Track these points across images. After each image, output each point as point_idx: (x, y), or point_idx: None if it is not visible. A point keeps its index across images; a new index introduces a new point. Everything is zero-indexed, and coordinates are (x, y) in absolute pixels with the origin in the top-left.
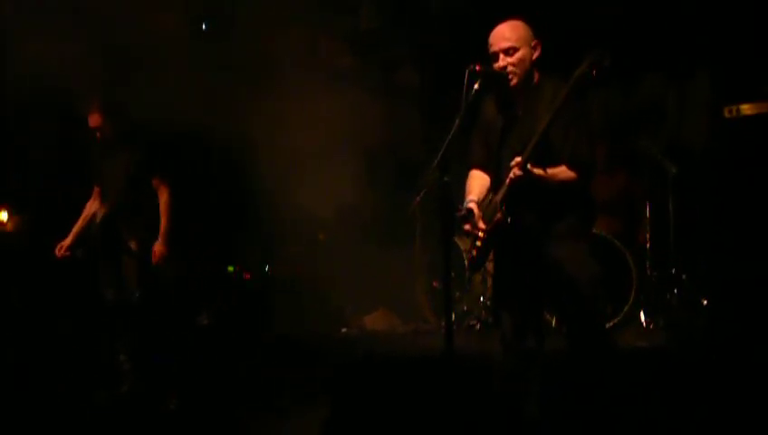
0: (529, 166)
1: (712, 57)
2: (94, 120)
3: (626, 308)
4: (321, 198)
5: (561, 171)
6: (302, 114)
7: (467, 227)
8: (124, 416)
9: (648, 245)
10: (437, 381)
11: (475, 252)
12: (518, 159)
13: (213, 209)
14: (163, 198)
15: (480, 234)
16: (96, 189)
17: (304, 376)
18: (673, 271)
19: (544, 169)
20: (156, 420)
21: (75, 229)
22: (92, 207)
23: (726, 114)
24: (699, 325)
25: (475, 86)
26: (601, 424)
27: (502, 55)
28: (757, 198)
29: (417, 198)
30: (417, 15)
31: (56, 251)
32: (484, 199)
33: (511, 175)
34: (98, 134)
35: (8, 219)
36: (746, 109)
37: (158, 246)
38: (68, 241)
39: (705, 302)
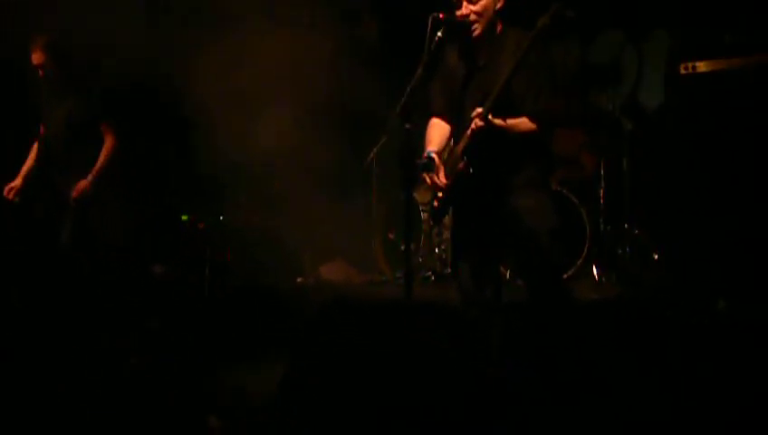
0: (490, 117)
1: (669, 15)
2: (37, 57)
3: (579, 262)
4: (277, 147)
5: (523, 122)
6: (257, 61)
7: (428, 177)
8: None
9: (602, 200)
10: (399, 329)
11: (436, 203)
12: (479, 109)
13: (166, 158)
14: (106, 143)
15: (442, 184)
16: (42, 128)
17: (265, 327)
18: (626, 226)
19: (505, 120)
20: (121, 377)
21: (24, 171)
22: (35, 155)
23: (682, 71)
24: (650, 279)
25: (438, 34)
26: (560, 374)
27: (465, 3)
28: (710, 155)
29: (375, 149)
30: None
31: (5, 193)
32: (444, 150)
33: (472, 126)
34: (40, 72)
35: None
36: (702, 66)
37: (82, 182)
38: (17, 182)
39: (657, 256)
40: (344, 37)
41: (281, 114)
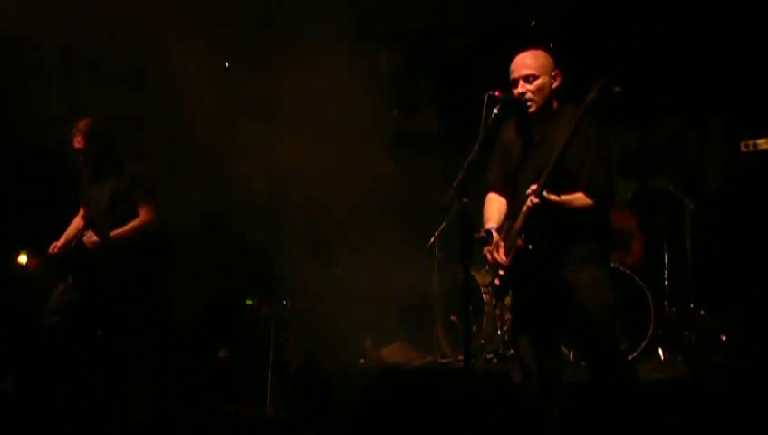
0: (545, 193)
1: (728, 96)
2: (78, 142)
3: (644, 343)
4: (340, 232)
5: (578, 198)
6: (320, 150)
7: (488, 254)
8: None
9: (666, 281)
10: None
11: (498, 281)
12: (534, 186)
13: (232, 244)
14: (141, 216)
15: (502, 262)
16: (81, 210)
17: (324, 407)
18: (691, 306)
19: (560, 196)
20: None
21: (66, 234)
22: (77, 225)
23: (743, 149)
24: (718, 360)
25: (494, 111)
26: None
27: (521, 82)
28: None
29: (436, 232)
30: (437, 58)
31: (50, 250)
32: (502, 226)
33: (528, 202)
34: (81, 156)
35: (28, 260)
36: (763, 143)
37: (94, 236)
38: (61, 242)
39: (724, 338)
40: (405, 126)
41: (343, 203)
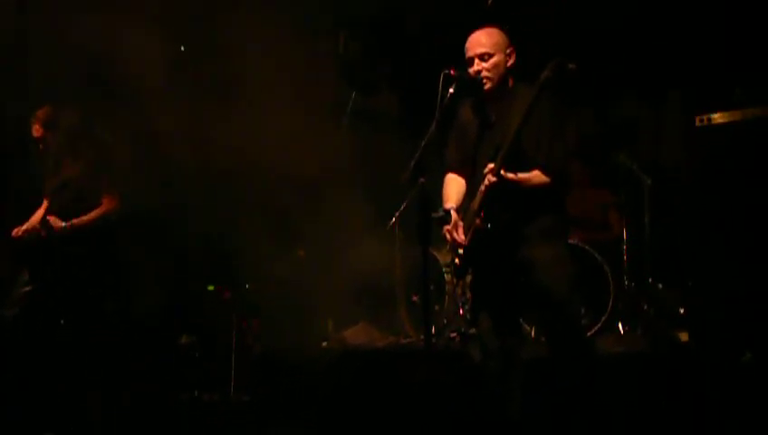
0: (502, 172)
1: (683, 73)
2: (36, 130)
3: (604, 318)
4: (300, 215)
5: (535, 175)
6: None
7: (448, 234)
8: None
9: (625, 256)
10: (420, 382)
11: (457, 260)
12: (491, 165)
13: (193, 228)
14: (104, 205)
15: (461, 241)
16: (45, 201)
17: (288, 391)
18: (650, 281)
19: (517, 174)
20: None
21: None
22: (39, 216)
23: (698, 123)
24: (676, 334)
25: (450, 90)
26: (582, 428)
27: (477, 60)
28: (730, 205)
29: (397, 213)
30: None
31: (14, 233)
32: (461, 206)
33: (485, 181)
34: (40, 145)
35: None
36: (717, 117)
37: (59, 222)
38: (24, 227)
39: (682, 311)
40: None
41: (303, 182)
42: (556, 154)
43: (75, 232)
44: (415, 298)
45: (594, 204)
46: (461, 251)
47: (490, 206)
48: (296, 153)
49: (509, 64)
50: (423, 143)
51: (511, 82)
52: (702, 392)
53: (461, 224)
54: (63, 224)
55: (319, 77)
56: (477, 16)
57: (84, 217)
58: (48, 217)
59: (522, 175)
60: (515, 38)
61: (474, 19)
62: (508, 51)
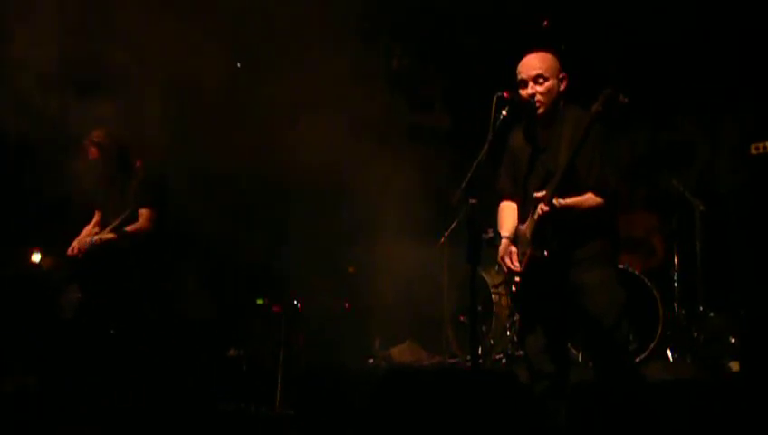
0: (555, 201)
1: (740, 97)
2: (92, 153)
3: (652, 345)
4: (352, 232)
5: (588, 199)
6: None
7: (504, 264)
8: None
9: (675, 282)
10: (466, 403)
11: (514, 288)
12: (542, 193)
13: (244, 243)
14: (139, 223)
15: (517, 269)
16: (97, 214)
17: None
18: (700, 308)
19: (570, 199)
20: None
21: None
22: (92, 231)
23: (753, 151)
24: (726, 363)
25: (503, 112)
26: None
27: (531, 83)
28: None
29: (447, 232)
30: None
31: (69, 252)
32: (515, 232)
33: (538, 211)
34: (96, 165)
35: (41, 259)
36: None
37: (87, 239)
38: (76, 246)
39: (733, 340)
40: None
41: (355, 199)
42: (608, 175)
43: (111, 246)
44: (462, 318)
45: (640, 227)
46: (517, 278)
47: (542, 233)
48: (348, 169)
49: (561, 89)
50: (474, 165)
51: (562, 107)
52: (752, 424)
53: (515, 251)
54: (92, 239)
55: (372, 92)
56: (531, 37)
57: (113, 233)
58: (83, 239)
59: (574, 199)
60: (569, 60)
61: (527, 39)
62: (561, 76)
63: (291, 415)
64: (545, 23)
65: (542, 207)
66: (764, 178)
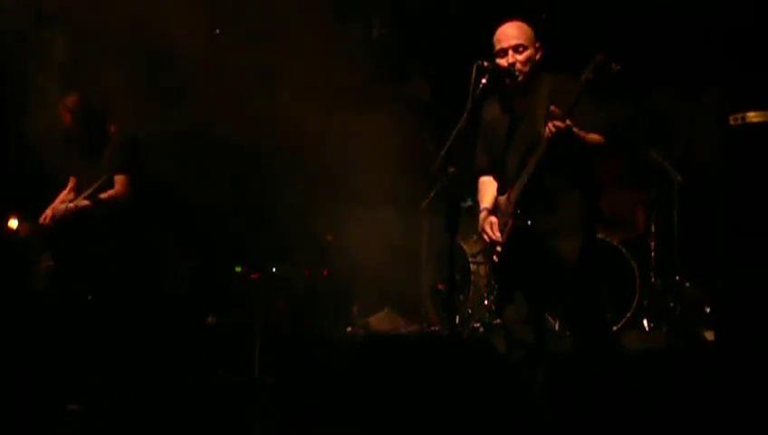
0: (568, 121)
1: (721, 68)
2: (66, 118)
3: (628, 314)
4: (328, 198)
5: (591, 135)
6: (306, 119)
7: (485, 235)
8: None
9: (652, 252)
10: (444, 370)
11: (496, 257)
12: (556, 109)
13: (223, 210)
14: (115, 188)
15: (498, 240)
16: (72, 180)
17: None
18: (677, 278)
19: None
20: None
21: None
22: (67, 198)
23: (732, 122)
24: (702, 332)
25: (483, 81)
26: (605, 422)
27: (511, 52)
28: (762, 206)
29: (426, 201)
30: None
31: (41, 220)
32: (495, 205)
33: (551, 127)
34: (70, 131)
35: (19, 225)
36: (752, 116)
37: (62, 206)
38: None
39: (708, 309)
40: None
41: (332, 167)
42: (602, 119)
43: (86, 213)
44: (440, 286)
45: (622, 201)
46: (499, 249)
47: (526, 201)
48: (328, 138)
49: (537, 58)
50: (453, 133)
51: (538, 76)
52: (727, 392)
53: (495, 222)
54: (66, 206)
55: (351, 60)
56: (510, 6)
57: (86, 202)
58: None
59: (579, 131)
60: (550, 31)
61: (506, 8)
62: (537, 45)
63: (270, 382)
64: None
65: (557, 123)
66: (742, 149)
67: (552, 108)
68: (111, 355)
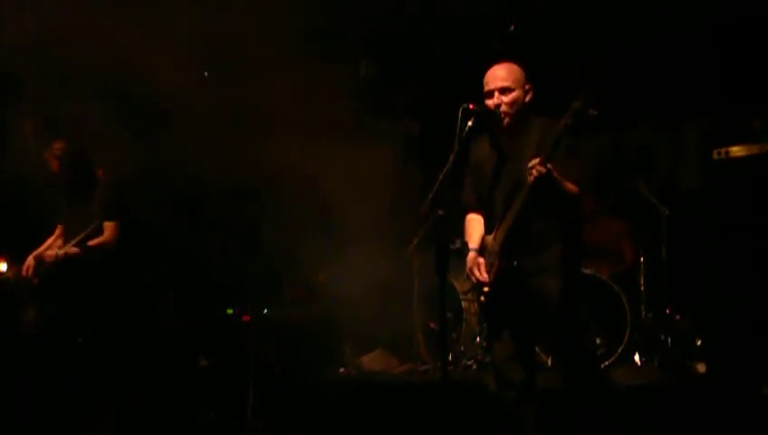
0: (549, 165)
1: (702, 103)
2: (53, 165)
3: (620, 349)
4: (319, 239)
5: (567, 183)
6: (298, 162)
7: (473, 276)
8: None
9: (642, 286)
10: (435, 411)
11: (483, 298)
12: (537, 159)
13: (213, 252)
14: (104, 235)
15: (486, 280)
16: (59, 227)
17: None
18: (667, 312)
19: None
20: None
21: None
22: (55, 244)
23: (715, 156)
24: (693, 365)
25: (469, 123)
26: None
27: (497, 94)
28: (748, 238)
29: (415, 240)
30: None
31: (24, 272)
32: (482, 244)
33: (534, 172)
34: (58, 177)
35: (8, 269)
36: (735, 151)
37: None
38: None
39: (699, 342)
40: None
41: (323, 207)
42: (578, 166)
43: (75, 260)
44: (432, 325)
45: (608, 234)
46: (486, 289)
47: (512, 242)
48: (317, 176)
49: (527, 100)
50: (441, 176)
51: (528, 118)
52: (719, 425)
53: (482, 262)
54: (56, 253)
55: (339, 99)
56: (497, 45)
57: (75, 249)
58: (43, 254)
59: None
60: (537, 67)
61: (492, 48)
62: (527, 87)
63: (261, 426)
64: (512, 26)
65: (539, 168)
66: (725, 183)
67: (535, 160)
68: (103, 399)
